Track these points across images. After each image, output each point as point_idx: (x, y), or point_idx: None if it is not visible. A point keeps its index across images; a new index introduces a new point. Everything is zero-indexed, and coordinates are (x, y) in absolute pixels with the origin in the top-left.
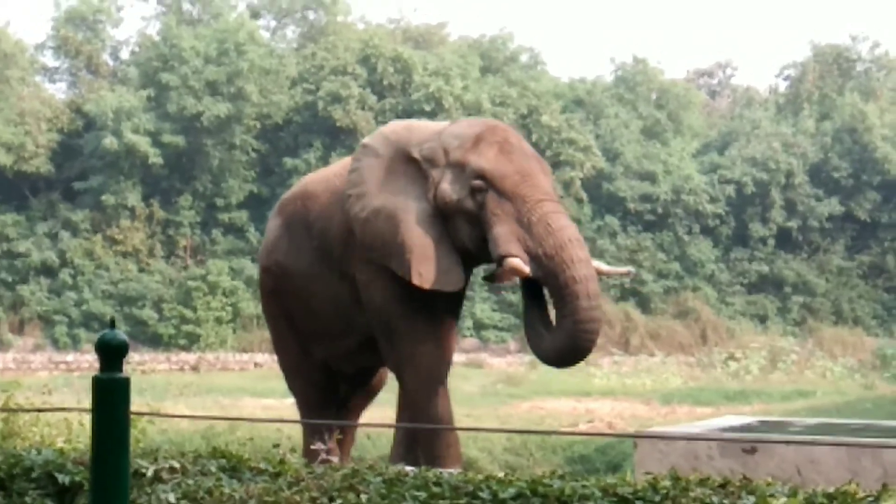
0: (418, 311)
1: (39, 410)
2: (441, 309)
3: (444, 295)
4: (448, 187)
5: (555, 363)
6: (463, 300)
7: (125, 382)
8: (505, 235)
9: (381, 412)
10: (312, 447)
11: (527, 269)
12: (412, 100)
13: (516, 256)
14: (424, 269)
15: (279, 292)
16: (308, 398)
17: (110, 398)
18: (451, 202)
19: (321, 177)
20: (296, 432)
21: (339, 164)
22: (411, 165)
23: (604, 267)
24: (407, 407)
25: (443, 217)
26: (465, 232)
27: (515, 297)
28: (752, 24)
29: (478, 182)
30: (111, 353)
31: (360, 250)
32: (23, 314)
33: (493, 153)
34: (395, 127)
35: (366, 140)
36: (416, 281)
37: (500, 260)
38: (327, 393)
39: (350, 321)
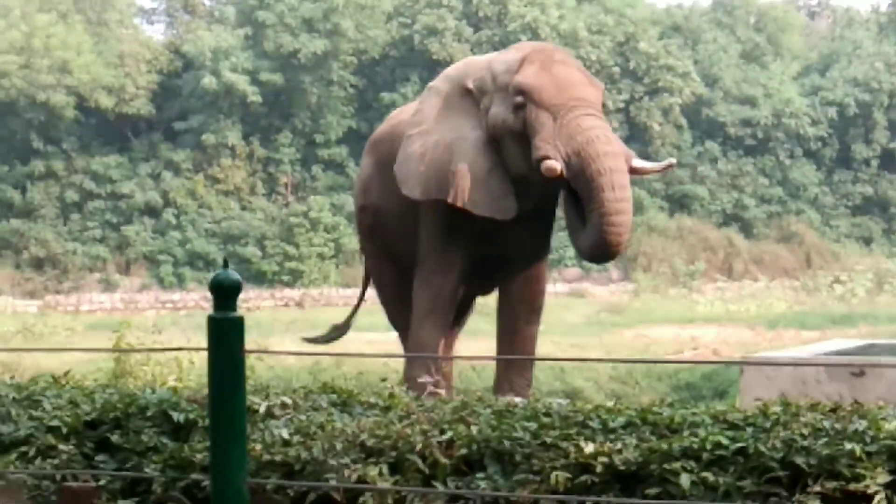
0: (454, 248)
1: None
2: (489, 247)
3: (504, 232)
4: (496, 111)
5: (589, 258)
6: (548, 229)
7: (239, 321)
8: (541, 141)
9: (485, 343)
10: (420, 380)
11: (559, 167)
12: (508, 31)
13: (551, 158)
14: (477, 195)
15: (376, 228)
16: (406, 325)
17: (225, 337)
18: (498, 124)
19: (408, 115)
20: (402, 366)
21: (425, 99)
22: (467, 98)
23: (642, 164)
24: (410, 329)
25: (496, 144)
26: (515, 153)
27: None
28: None
29: (518, 98)
30: (225, 293)
31: (401, 183)
32: (128, 255)
33: (533, 70)
34: (456, 64)
35: (431, 83)
36: (469, 207)
37: (538, 164)
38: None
39: None
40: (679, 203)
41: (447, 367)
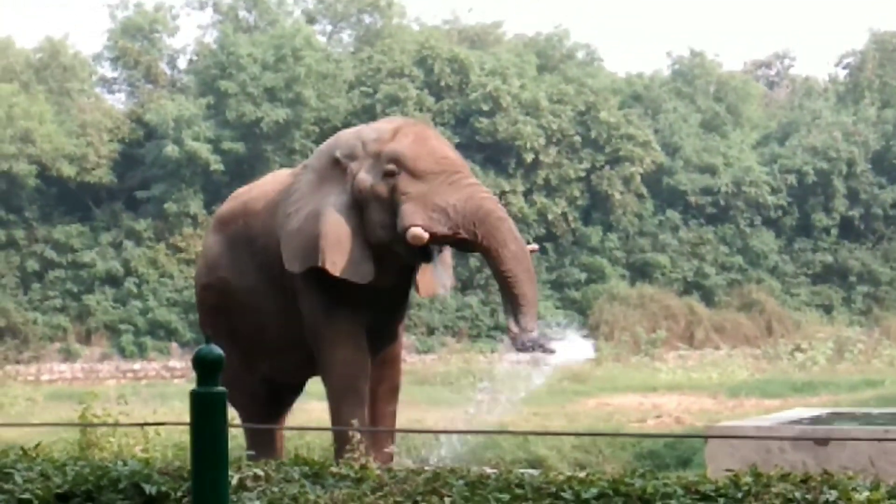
0: (342, 320)
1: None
2: (369, 315)
3: (376, 302)
4: (363, 176)
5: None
6: (404, 306)
7: (222, 396)
8: (410, 210)
9: (447, 413)
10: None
11: (426, 236)
12: (470, 100)
13: (417, 225)
14: (337, 257)
15: (221, 308)
16: (250, 408)
17: (208, 412)
18: (365, 189)
19: (259, 192)
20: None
21: (275, 178)
22: (337, 168)
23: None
24: (329, 409)
25: (360, 209)
26: (378, 219)
27: (579, 294)
28: (809, 13)
29: (390, 166)
30: (208, 367)
31: (286, 261)
32: (89, 324)
33: (408, 141)
34: (329, 140)
35: (307, 160)
36: (328, 268)
37: (404, 234)
38: (270, 406)
39: (295, 335)
40: (640, 271)
41: (279, 443)
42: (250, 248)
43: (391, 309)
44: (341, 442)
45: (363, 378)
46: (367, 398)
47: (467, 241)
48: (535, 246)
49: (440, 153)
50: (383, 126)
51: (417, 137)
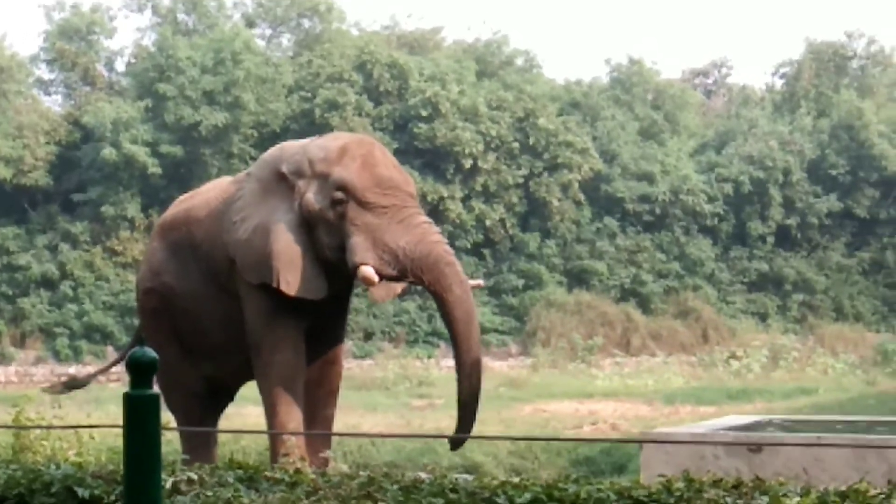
0: (283, 325)
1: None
2: (310, 319)
3: (318, 309)
4: (312, 197)
5: None
6: (344, 312)
7: (156, 399)
8: (360, 245)
9: (383, 417)
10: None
11: (376, 279)
12: (409, 105)
13: (368, 265)
14: (291, 276)
15: (163, 312)
16: (188, 411)
17: (142, 415)
18: (314, 211)
19: (202, 200)
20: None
21: (216, 185)
22: (283, 182)
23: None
24: (266, 413)
25: (308, 227)
26: (328, 241)
27: (516, 300)
28: (746, 22)
29: (339, 194)
30: (141, 370)
31: (241, 271)
32: (24, 327)
33: (356, 166)
34: (272, 150)
35: (250, 168)
36: (283, 288)
37: (355, 270)
38: (207, 407)
39: (238, 339)
40: (577, 278)
41: (215, 448)
42: (194, 254)
43: (334, 314)
44: (277, 445)
45: (300, 382)
46: (301, 400)
47: (414, 282)
48: (479, 282)
49: (388, 181)
50: (330, 144)
51: (364, 162)
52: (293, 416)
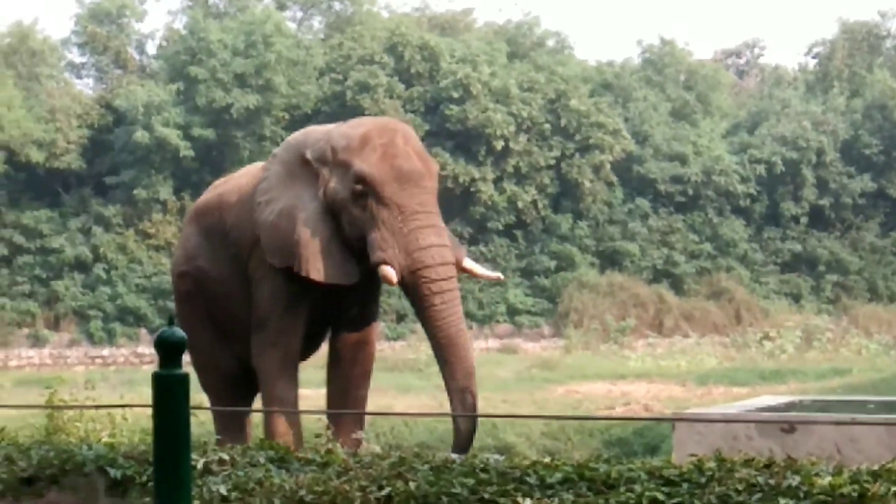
0: (295, 313)
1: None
2: (331, 309)
3: (343, 293)
4: (335, 187)
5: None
6: (375, 293)
7: (185, 378)
8: (380, 241)
9: (416, 399)
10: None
11: (395, 279)
12: (440, 87)
13: (389, 265)
14: (321, 264)
15: (196, 295)
16: (221, 392)
17: (171, 394)
18: (337, 201)
19: (234, 185)
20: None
21: (248, 171)
22: (307, 167)
23: (472, 266)
24: (261, 392)
25: (334, 213)
26: (353, 229)
27: (549, 282)
28: (779, 2)
29: (358, 186)
30: (170, 350)
31: (264, 253)
32: (58, 310)
33: (375, 157)
34: (297, 133)
35: (276, 150)
36: (314, 276)
37: (376, 265)
38: (240, 388)
39: None
40: (610, 259)
41: (249, 429)
42: (225, 239)
43: (365, 295)
44: (271, 426)
45: (296, 368)
46: (297, 386)
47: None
48: (498, 275)
49: (407, 175)
50: (352, 132)
51: (385, 153)
52: (290, 396)
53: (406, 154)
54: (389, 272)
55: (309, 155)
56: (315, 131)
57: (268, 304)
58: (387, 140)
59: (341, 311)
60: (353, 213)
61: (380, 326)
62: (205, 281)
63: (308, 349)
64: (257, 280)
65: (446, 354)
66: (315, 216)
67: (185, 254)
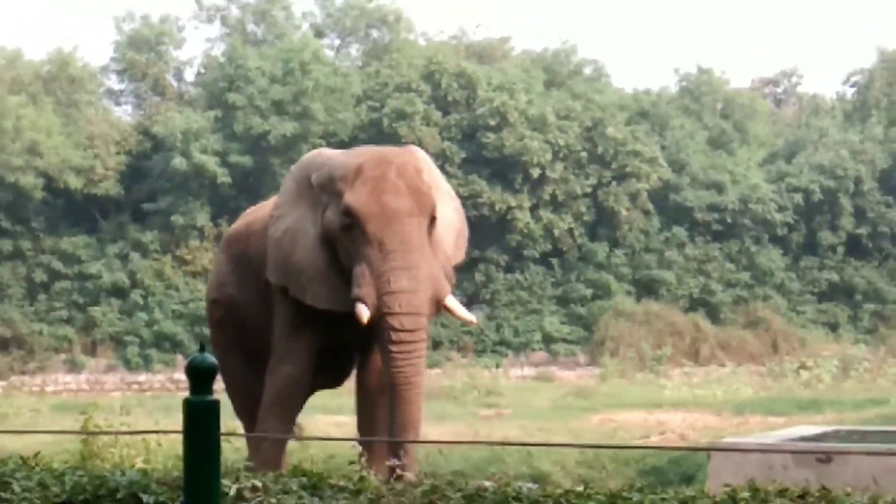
0: (298, 339)
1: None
2: (336, 340)
3: (349, 324)
4: (330, 217)
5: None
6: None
7: (216, 405)
8: (359, 277)
9: (450, 427)
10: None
11: (365, 319)
12: (477, 115)
13: (363, 303)
14: (318, 289)
15: (227, 322)
16: (252, 417)
17: (201, 420)
18: (331, 230)
19: (262, 214)
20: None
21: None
22: (312, 190)
23: (453, 305)
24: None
25: (331, 240)
26: (343, 258)
27: (585, 310)
28: (817, 31)
29: (346, 219)
30: (201, 376)
31: (267, 268)
32: (95, 335)
33: (365, 191)
34: (309, 154)
35: (293, 166)
36: (309, 301)
37: (353, 301)
38: None
39: None
40: (646, 288)
41: (284, 456)
42: (250, 266)
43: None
44: (256, 451)
45: (299, 397)
46: (296, 416)
47: None
48: (473, 319)
49: (392, 213)
50: (349, 162)
51: (374, 188)
52: (280, 429)
53: (395, 189)
54: (362, 311)
55: (313, 179)
56: (322, 155)
57: (278, 330)
58: (379, 174)
59: (355, 338)
60: (344, 243)
61: None
62: (234, 308)
63: (334, 377)
64: (274, 306)
65: (392, 402)
66: (315, 241)
67: (217, 281)
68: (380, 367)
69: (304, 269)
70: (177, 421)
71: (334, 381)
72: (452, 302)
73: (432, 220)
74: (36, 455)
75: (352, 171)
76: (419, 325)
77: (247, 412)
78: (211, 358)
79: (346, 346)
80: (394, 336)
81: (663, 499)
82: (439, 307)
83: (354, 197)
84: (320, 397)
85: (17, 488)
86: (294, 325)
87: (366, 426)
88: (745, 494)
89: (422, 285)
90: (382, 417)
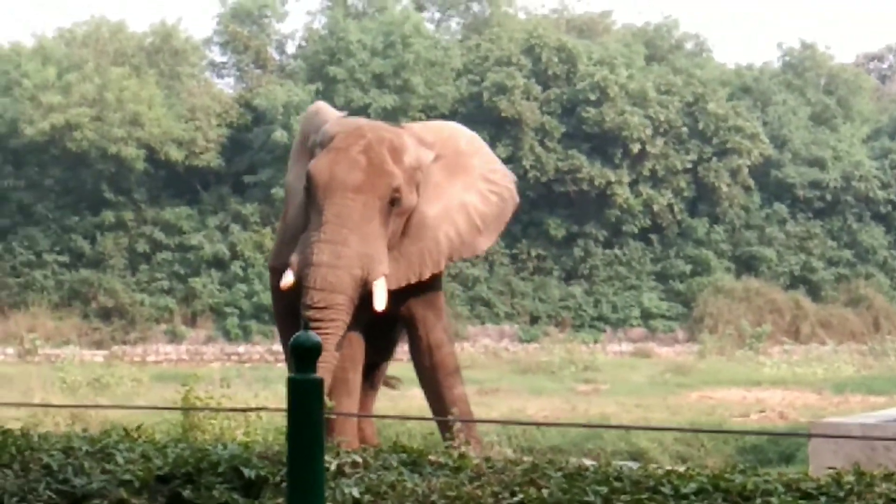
0: (288, 311)
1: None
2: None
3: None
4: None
5: None
6: (424, 297)
7: (319, 383)
8: (301, 241)
9: (547, 401)
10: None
11: (283, 285)
12: (577, 89)
13: (292, 269)
14: (287, 249)
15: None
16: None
17: (305, 398)
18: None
19: None
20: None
21: None
22: (306, 145)
23: (375, 298)
24: None
25: None
26: None
27: (684, 286)
28: None
29: (306, 185)
30: (305, 354)
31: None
32: (195, 306)
33: (325, 161)
34: (310, 109)
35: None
36: (271, 260)
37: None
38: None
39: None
40: (746, 264)
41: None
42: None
43: (419, 300)
44: (331, 424)
45: (354, 371)
46: (358, 389)
47: None
48: (380, 308)
49: (339, 183)
50: (330, 130)
51: (334, 158)
52: (344, 403)
53: (352, 163)
54: (286, 276)
55: (309, 143)
56: (323, 113)
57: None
58: (344, 146)
59: (378, 321)
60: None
61: (513, 328)
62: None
63: (376, 352)
64: None
65: None
66: (300, 204)
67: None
68: (424, 346)
69: (281, 231)
70: (276, 392)
71: (377, 355)
72: (379, 286)
73: (393, 201)
74: (139, 427)
75: (327, 138)
76: (331, 301)
77: None
78: (315, 336)
79: (389, 320)
80: (305, 312)
81: (766, 481)
82: (367, 287)
83: (314, 164)
84: (414, 371)
85: (120, 460)
86: (278, 299)
87: (432, 401)
88: (850, 479)
89: (344, 262)
90: (445, 391)
